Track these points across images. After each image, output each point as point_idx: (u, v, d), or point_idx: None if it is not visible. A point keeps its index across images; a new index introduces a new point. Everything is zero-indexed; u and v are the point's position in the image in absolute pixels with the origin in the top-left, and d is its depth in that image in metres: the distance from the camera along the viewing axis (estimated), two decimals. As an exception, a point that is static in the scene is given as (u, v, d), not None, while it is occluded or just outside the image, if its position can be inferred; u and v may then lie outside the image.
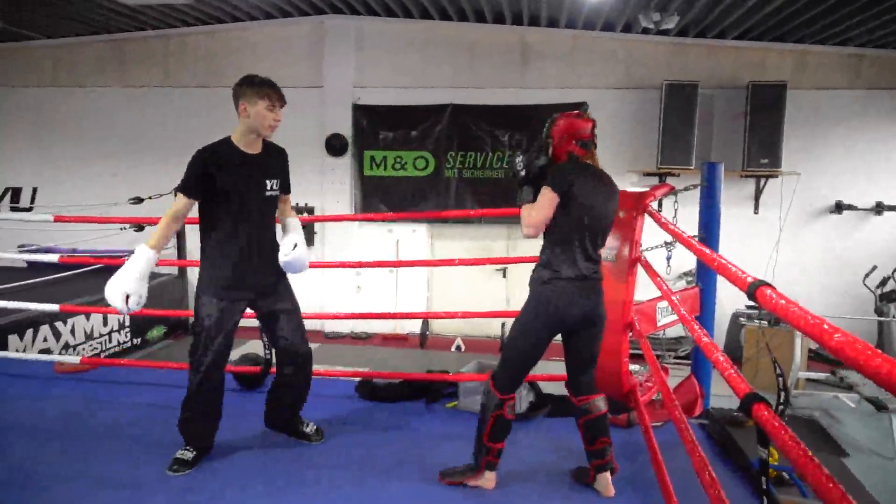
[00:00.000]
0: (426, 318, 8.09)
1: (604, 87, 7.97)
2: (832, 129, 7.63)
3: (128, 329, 7.24)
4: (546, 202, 2.49)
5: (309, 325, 8.89)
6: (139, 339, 7.46)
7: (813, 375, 5.83)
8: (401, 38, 8.30)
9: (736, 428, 3.43)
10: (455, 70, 8.26)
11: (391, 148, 8.41)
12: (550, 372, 4.08)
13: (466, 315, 4.21)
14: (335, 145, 8.43)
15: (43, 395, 3.70)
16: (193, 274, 9.49)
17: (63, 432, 3.20)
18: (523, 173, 2.63)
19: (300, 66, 8.48)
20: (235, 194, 2.72)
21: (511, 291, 8.50)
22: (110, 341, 6.94)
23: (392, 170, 8.43)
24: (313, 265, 3.36)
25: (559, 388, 3.89)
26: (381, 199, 8.46)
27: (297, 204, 8.38)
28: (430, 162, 8.36)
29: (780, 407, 1.47)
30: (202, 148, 2.74)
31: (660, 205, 7.03)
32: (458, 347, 7.82)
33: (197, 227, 2.83)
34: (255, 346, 4.00)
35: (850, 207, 7.60)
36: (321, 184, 8.53)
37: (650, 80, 7.74)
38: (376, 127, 8.40)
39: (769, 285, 1.39)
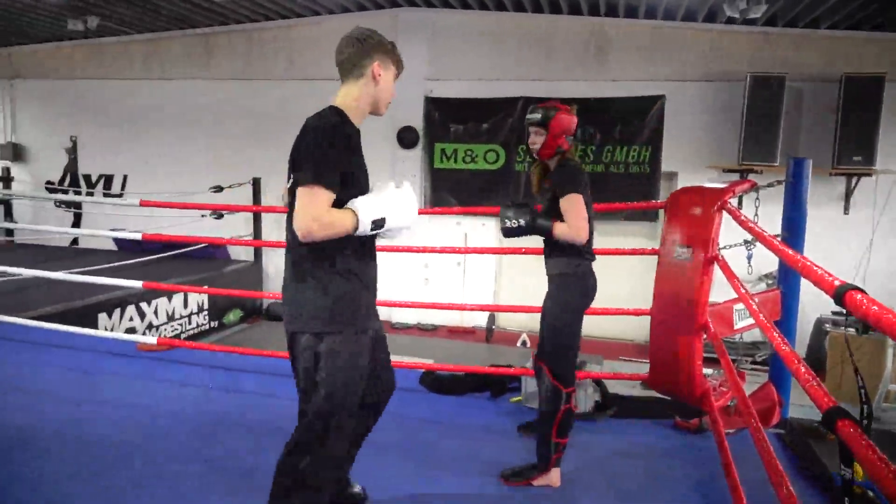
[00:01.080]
0: (492, 310, 8.07)
1: (683, 79, 7.68)
2: (935, 125, 7.08)
3: (206, 312, 7.56)
4: (582, 207, 2.58)
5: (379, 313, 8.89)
6: (216, 323, 7.78)
7: (905, 388, 5.45)
8: (474, 31, 8.26)
9: (817, 440, 3.25)
10: (528, 62, 8.16)
11: (462, 141, 8.40)
12: (618, 371, 3.99)
13: (533, 310, 4.14)
14: (406, 138, 8.49)
15: (124, 372, 3.90)
16: (269, 258, 9.72)
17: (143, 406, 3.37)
18: (521, 224, 2.70)
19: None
20: (365, 188, 2.03)
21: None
22: (190, 323, 7.26)
23: (462, 163, 8.43)
24: (381, 249, 3.35)
25: (625, 388, 3.82)
26: (450, 191, 8.46)
27: (369, 195, 8.50)
28: (500, 155, 8.30)
29: (864, 422, 1.36)
30: (332, 121, 1.99)
31: (740, 202, 6.78)
32: (524, 343, 7.75)
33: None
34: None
35: (953, 209, 7.04)
36: (391, 176, 8.60)
37: (733, 73, 7.39)
38: (447, 120, 8.41)
39: (859, 289, 1.29)
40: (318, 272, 1.93)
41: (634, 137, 7.76)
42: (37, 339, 4.31)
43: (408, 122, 8.47)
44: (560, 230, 2.61)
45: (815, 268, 1.52)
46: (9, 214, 9.85)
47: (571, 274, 2.68)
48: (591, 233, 2.65)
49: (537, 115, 2.66)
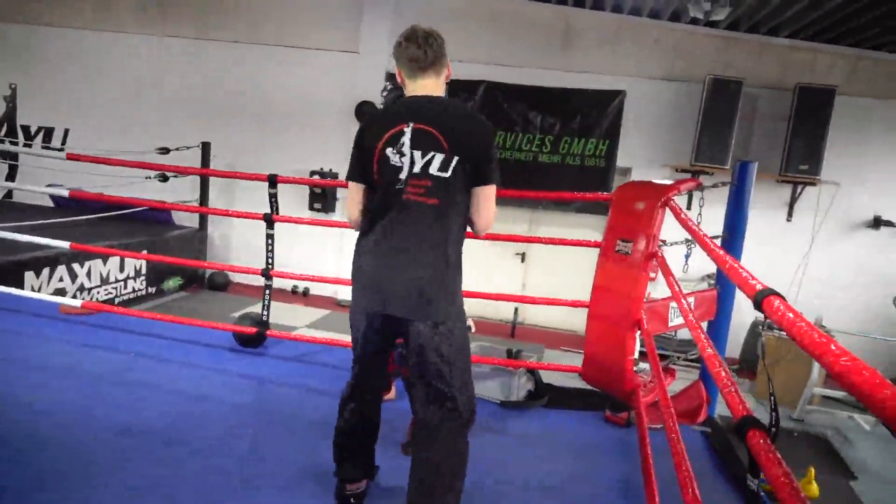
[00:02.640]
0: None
1: (645, 76, 7.71)
2: (879, 141, 7.29)
3: (144, 277, 7.30)
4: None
5: (322, 289, 8.80)
6: (154, 289, 7.52)
7: (830, 393, 5.64)
8: (441, 8, 8.11)
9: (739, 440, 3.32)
10: (492, 46, 8.07)
11: (421, 120, 8.28)
12: (557, 361, 3.99)
13: (480, 296, 4.10)
14: (365, 112, 8.32)
15: (44, 335, 3.71)
16: (214, 226, 9.44)
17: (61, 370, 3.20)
18: None
19: (337, 30, 8.36)
20: None
21: (528, 275, 8.38)
22: (125, 287, 7.00)
23: (420, 142, 8.32)
24: (327, 224, 3.27)
25: (565, 379, 3.82)
26: (406, 171, 8.35)
27: (322, 168, 8.34)
28: (459, 138, 8.22)
29: (773, 430, 1.36)
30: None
31: (689, 201, 6.88)
32: (469, 328, 7.73)
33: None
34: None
35: (889, 224, 7.29)
36: (348, 150, 8.40)
37: (693, 74, 7.46)
38: (408, 97, 8.27)
39: (779, 295, 1.27)
40: (459, 266, 2.06)
41: (592, 130, 7.78)
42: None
43: (367, 97, 8.29)
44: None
45: (741, 270, 1.50)
46: (-63, 162, 9.30)
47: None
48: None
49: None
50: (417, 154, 1.94)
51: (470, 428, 2.04)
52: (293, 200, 8.04)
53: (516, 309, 7.96)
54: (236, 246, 8.83)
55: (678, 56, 7.64)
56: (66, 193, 3.89)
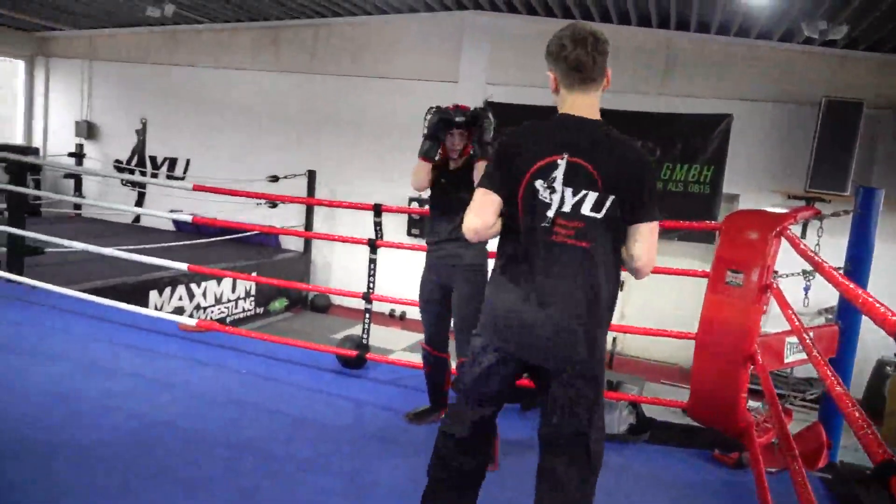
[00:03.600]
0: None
1: (753, 99, 7.40)
2: None
3: (253, 298, 7.71)
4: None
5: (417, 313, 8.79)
6: (262, 309, 7.92)
7: (971, 443, 5.08)
8: (538, 38, 8.09)
9: (866, 488, 3.05)
10: (592, 73, 8.02)
11: (518, 147, 8.32)
12: (659, 395, 3.85)
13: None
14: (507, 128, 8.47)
15: (163, 351, 3.98)
16: (318, 250, 9.86)
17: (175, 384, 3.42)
18: None
19: (437, 60, 8.60)
20: None
21: (627, 304, 8.15)
22: (236, 307, 7.42)
23: (516, 169, 8.34)
24: (392, 246, 3.33)
25: (665, 414, 3.67)
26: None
27: (421, 196, 8.51)
28: (556, 165, 8.18)
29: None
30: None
31: (803, 231, 6.47)
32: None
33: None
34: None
35: None
36: (445, 178, 8.61)
37: (807, 96, 7.07)
38: (506, 125, 8.29)
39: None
40: (612, 309, 1.92)
41: (697, 156, 7.52)
42: (87, 312, 4.44)
43: (464, 125, 8.44)
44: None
45: (877, 304, 1.40)
46: (78, 189, 10.29)
47: (485, 270, 2.83)
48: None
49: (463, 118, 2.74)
50: (569, 192, 1.75)
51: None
52: (392, 226, 8.26)
53: (614, 338, 7.74)
54: (337, 269, 9.15)
55: (790, 78, 7.29)
56: (189, 219, 4.19)
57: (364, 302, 3.85)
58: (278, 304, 8.26)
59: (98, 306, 4.36)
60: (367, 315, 3.86)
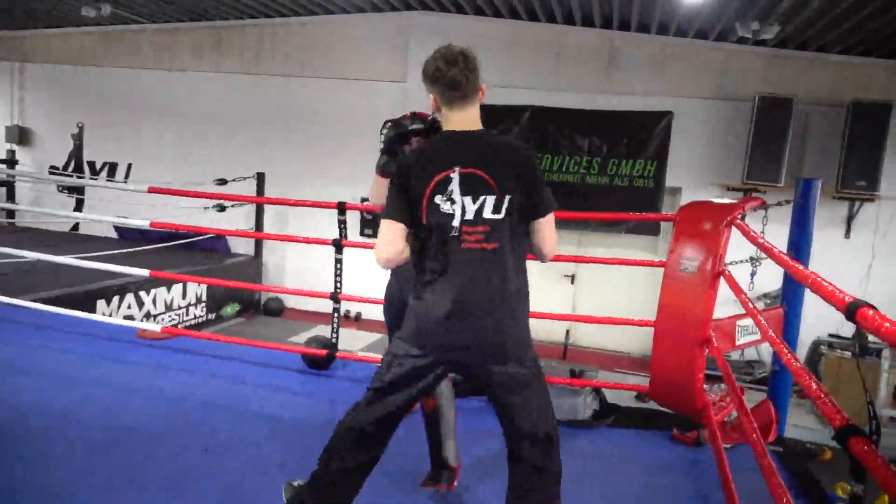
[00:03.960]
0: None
1: (692, 96, 7.72)
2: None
3: (204, 304, 7.56)
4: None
5: (376, 313, 8.91)
6: (213, 315, 7.77)
7: (898, 414, 5.48)
8: (486, 37, 8.28)
9: (812, 460, 3.27)
10: (538, 72, 8.20)
11: (468, 146, 8.42)
12: (617, 381, 4.01)
13: (533, 316, 4.15)
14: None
15: (125, 358, 3.90)
16: (269, 252, 9.67)
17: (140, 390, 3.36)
18: None
19: (385, 60, 8.62)
20: None
21: (578, 297, 8.36)
22: (187, 314, 7.26)
23: (467, 168, 8.44)
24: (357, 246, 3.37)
25: (619, 400, 3.82)
26: (454, 196, 8.48)
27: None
28: (506, 162, 8.32)
29: (874, 437, 1.38)
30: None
31: (743, 220, 6.80)
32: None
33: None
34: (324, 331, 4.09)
35: (954, 239, 7.08)
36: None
37: (742, 93, 7.43)
38: (455, 124, 8.42)
39: (871, 306, 1.30)
40: (528, 299, 2.06)
41: (640, 151, 7.80)
42: (37, 322, 4.30)
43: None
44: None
45: (826, 284, 1.53)
46: (11, 197, 9.82)
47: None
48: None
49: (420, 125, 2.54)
50: (468, 200, 1.86)
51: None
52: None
53: (567, 331, 7.94)
54: (289, 272, 9.06)
55: (726, 75, 7.64)
56: (146, 224, 4.10)
57: (332, 302, 3.86)
58: (230, 309, 8.13)
59: (53, 316, 4.23)
60: (336, 315, 3.87)
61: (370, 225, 8.54)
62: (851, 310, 1.36)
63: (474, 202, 1.87)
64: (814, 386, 1.54)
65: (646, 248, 7.92)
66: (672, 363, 3.01)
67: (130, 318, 6.28)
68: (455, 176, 1.87)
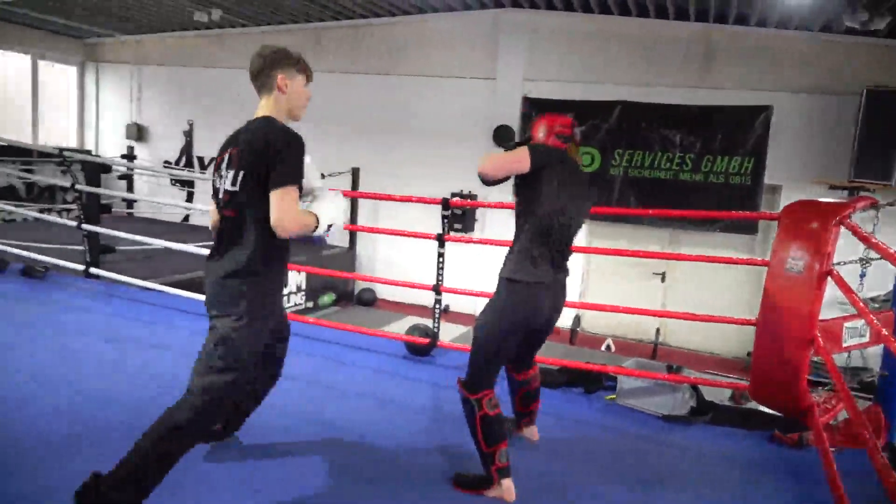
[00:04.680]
0: (581, 308, 8.11)
1: (793, 90, 7.46)
2: None
3: (304, 293, 7.98)
4: (516, 156, 2.46)
5: (462, 306, 9.15)
6: (312, 303, 8.19)
7: None
8: (575, 33, 8.30)
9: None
10: (628, 67, 8.13)
11: (557, 142, 8.46)
12: (711, 379, 4.00)
13: (622, 310, 4.21)
14: (502, 136, 8.64)
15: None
16: (362, 245, 10.07)
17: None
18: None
19: (474, 57, 8.77)
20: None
21: (668, 296, 8.26)
22: (289, 301, 7.69)
23: (557, 164, 8.49)
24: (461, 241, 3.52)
25: (718, 398, 3.82)
26: (542, 191, 8.55)
27: (462, 190, 8.72)
28: (595, 158, 8.32)
29: None
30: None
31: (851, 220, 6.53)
32: (609, 347, 7.76)
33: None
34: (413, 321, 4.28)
35: None
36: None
37: (848, 86, 7.12)
38: (546, 120, 8.47)
39: None
40: (255, 273, 2.18)
41: (737, 148, 7.61)
42: (165, 304, 4.73)
43: (504, 121, 8.61)
44: (482, 157, 2.54)
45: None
46: (129, 189, 10.67)
47: (505, 288, 2.52)
48: (545, 246, 2.52)
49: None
50: (229, 174, 2.13)
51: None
52: (432, 221, 8.48)
53: (658, 329, 7.87)
54: (379, 264, 9.40)
55: (830, 68, 7.33)
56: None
57: (434, 293, 4.06)
58: (327, 298, 8.53)
59: (176, 298, 4.64)
60: (438, 305, 4.07)
61: (459, 220, 8.74)
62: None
63: (228, 175, 2.16)
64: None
65: (741, 247, 7.73)
66: (776, 362, 3.01)
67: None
68: (227, 156, 2.19)
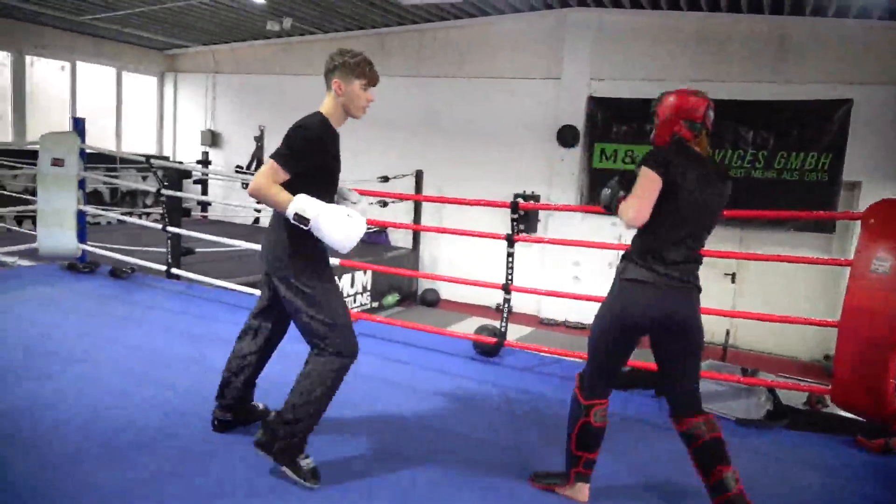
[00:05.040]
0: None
1: (876, 83, 7.12)
2: None
3: (369, 293, 8.16)
4: (647, 184, 2.18)
5: (524, 307, 9.18)
6: (377, 303, 8.37)
7: None
8: (642, 30, 8.17)
9: None
10: (698, 63, 7.95)
11: (623, 141, 8.36)
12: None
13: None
14: (566, 136, 8.60)
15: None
16: (424, 246, 10.14)
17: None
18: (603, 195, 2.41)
19: (540, 57, 8.76)
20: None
21: (739, 297, 8.03)
22: (354, 301, 7.89)
23: (622, 163, 8.39)
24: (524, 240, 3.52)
25: (796, 400, 3.70)
26: (608, 192, 8.45)
27: (524, 191, 8.71)
28: (662, 157, 8.16)
29: None
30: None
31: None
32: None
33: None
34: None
35: None
36: (549, 173, 8.77)
37: (936, 77, 6.76)
38: (610, 119, 8.40)
39: None
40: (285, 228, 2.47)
41: (813, 143, 7.33)
42: (240, 304, 4.94)
43: (569, 121, 8.56)
44: (621, 205, 2.28)
45: None
46: (204, 193, 11.15)
47: (615, 284, 2.34)
48: (668, 243, 2.25)
49: (650, 105, 2.41)
50: None
51: None
52: (494, 221, 8.49)
53: (728, 331, 7.66)
54: (442, 263, 9.51)
55: (916, 59, 6.97)
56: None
57: (503, 293, 4.10)
58: (391, 298, 8.69)
59: (251, 297, 4.84)
60: (507, 305, 4.11)
61: (522, 220, 8.72)
62: None
63: None
64: None
65: (816, 246, 7.44)
66: (859, 365, 2.91)
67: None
68: None
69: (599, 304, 2.39)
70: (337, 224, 2.27)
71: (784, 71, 7.56)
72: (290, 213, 2.27)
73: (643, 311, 2.25)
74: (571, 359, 4.19)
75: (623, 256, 2.36)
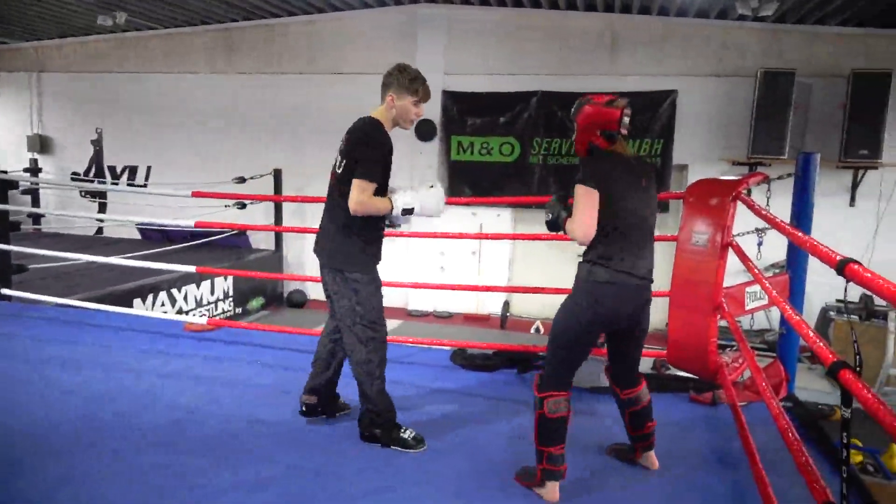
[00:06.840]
0: (510, 291, 8.32)
1: (695, 74, 7.90)
2: (940, 120, 7.29)
3: (231, 298, 7.84)
4: (586, 200, 2.33)
5: (393, 300, 9.21)
6: (240, 309, 8.06)
7: (906, 373, 5.70)
8: (492, 26, 8.48)
9: (823, 420, 3.50)
10: (544, 58, 8.39)
11: (478, 133, 8.64)
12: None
13: (549, 291, 4.41)
14: (424, 130, 8.73)
15: (177, 350, 4.17)
16: (288, 246, 9.86)
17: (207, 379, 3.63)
18: (549, 218, 2.61)
19: (392, 53, 8.79)
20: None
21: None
22: (216, 308, 7.55)
23: (478, 155, 8.67)
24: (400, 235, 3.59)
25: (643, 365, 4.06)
26: (466, 183, 8.72)
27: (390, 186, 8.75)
28: (515, 148, 8.54)
29: (858, 369, 1.60)
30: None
31: (749, 194, 7.01)
32: (538, 330, 8.02)
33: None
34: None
35: (958, 202, 7.26)
36: (410, 168, 8.86)
37: (744, 68, 7.61)
38: (464, 113, 8.65)
39: (858, 262, 1.53)
40: (353, 234, 2.81)
41: (647, 131, 7.99)
42: (87, 321, 4.58)
43: (425, 115, 8.68)
44: (567, 225, 2.44)
45: (821, 246, 1.76)
46: (35, 204, 10.13)
47: (583, 280, 2.44)
48: (620, 236, 2.40)
49: (571, 111, 2.59)
50: (339, 157, 2.76)
51: None
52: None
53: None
54: (308, 264, 9.33)
55: (727, 52, 7.81)
56: (191, 224, 4.36)
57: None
58: (255, 302, 8.41)
59: (98, 314, 4.50)
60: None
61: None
62: (841, 266, 1.57)
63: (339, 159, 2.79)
64: (810, 333, 1.77)
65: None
66: (688, 329, 3.25)
67: (165, 314, 6.57)
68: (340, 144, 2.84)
69: (561, 307, 2.53)
70: (435, 198, 2.81)
71: (617, 64, 8.18)
72: (397, 210, 2.68)
73: (617, 310, 2.44)
74: (438, 347, 4.31)
75: (585, 261, 2.46)
